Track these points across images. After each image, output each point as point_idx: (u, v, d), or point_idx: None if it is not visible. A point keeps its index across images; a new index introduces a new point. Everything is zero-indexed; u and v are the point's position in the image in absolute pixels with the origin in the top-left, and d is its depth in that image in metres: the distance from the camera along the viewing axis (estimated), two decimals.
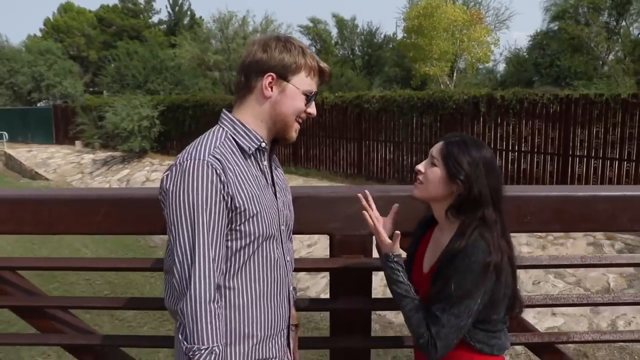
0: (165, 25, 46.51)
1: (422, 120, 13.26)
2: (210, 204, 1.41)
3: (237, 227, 1.48)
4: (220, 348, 1.44)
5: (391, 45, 34.81)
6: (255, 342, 1.55)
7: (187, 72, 29.71)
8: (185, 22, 44.40)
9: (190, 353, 1.42)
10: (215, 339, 1.43)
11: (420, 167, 1.68)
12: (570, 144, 10.78)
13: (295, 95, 1.55)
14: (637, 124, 9.84)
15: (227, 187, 1.44)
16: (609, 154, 10.27)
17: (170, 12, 46.02)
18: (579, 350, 6.25)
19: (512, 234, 1.68)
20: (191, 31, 30.27)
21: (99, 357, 2.08)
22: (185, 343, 1.43)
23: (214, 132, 1.55)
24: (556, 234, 9.37)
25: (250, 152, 1.54)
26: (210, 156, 1.44)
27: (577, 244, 9.16)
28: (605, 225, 1.92)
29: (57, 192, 2.17)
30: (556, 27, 26.47)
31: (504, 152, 11.70)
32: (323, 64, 1.60)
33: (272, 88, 1.54)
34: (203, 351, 1.41)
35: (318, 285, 8.57)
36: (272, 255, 1.57)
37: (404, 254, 1.73)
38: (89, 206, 1.91)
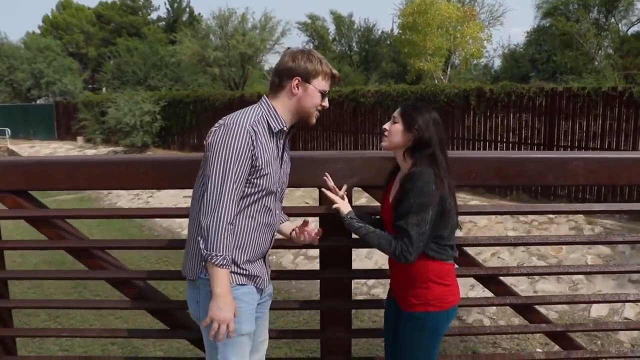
0: (164, 22, 46.67)
1: None
2: (242, 155, 1.99)
3: (252, 179, 2.06)
4: (230, 257, 2.01)
5: (388, 42, 35.20)
6: (246, 258, 2.13)
7: (187, 69, 29.98)
8: (184, 19, 44.66)
9: (210, 258, 1.97)
10: (228, 249, 1.99)
11: (386, 125, 2.29)
12: (555, 135, 11.25)
13: (314, 94, 2.15)
14: (617, 116, 10.32)
15: (255, 149, 2.02)
16: (592, 144, 10.73)
17: (169, 9, 46.20)
18: (555, 321, 6.78)
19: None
20: (191, 28, 30.58)
21: (134, 289, 2.61)
22: (205, 250, 1.97)
23: (254, 109, 2.12)
24: (541, 219, 9.89)
25: (275, 130, 2.11)
26: (249, 125, 2.03)
27: (560, 229, 9.67)
28: (535, 180, 2.45)
29: (105, 158, 2.71)
30: (547, 24, 26.90)
31: (493, 143, 12.17)
32: (335, 71, 2.21)
33: (298, 87, 2.13)
34: (219, 257, 1.97)
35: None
36: (268, 205, 2.17)
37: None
38: (131, 167, 2.45)
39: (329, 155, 2.41)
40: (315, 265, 2.60)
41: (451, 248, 2.24)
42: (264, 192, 2.11)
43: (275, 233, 2.30)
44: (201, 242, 1.99)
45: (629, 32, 25.15)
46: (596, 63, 21.79)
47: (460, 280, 2.31)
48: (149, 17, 47.81)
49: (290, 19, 65.51)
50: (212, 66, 26.40)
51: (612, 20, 24.87)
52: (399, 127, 2.23)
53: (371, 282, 8.50)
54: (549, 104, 11.31)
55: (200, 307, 2.10)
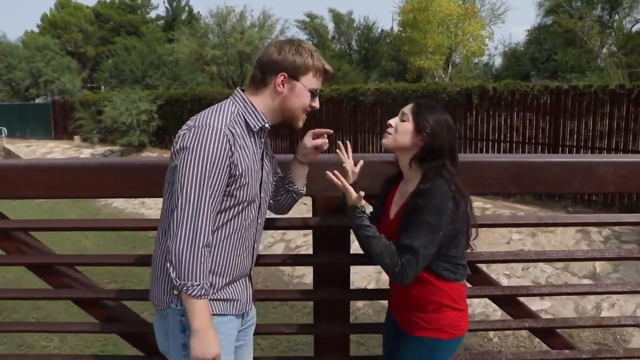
0: (163, 21, 46.47)
1: None
2: (219, 165, 1.68)
3: (231, 191, 1.75)
4: (208, 285, 1.70)
5: (388, 40, 34.94)
6: (225, 281, 1.83)
7: (185, 67, 29.78)
8: (183, 17, 44.43)
9: (185, 288, 1.67)
10: (205, 277, 1.68)
11: (392, 121, 1.97)
12: (561, 134, 10.95)
13: (302, 92, 1.84)
14: (625, 115, 10.02)
15: (234, 156, 1.71)
16: (598, 144, 10.44)
17: (168, 7, 46.04)
18: (563, 331, 6.48)
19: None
20: (189, 26, 30.34)
21: (105, 310, 2.31)
22: (178, 279, 1.66)
23: (227, 106, 1.81)
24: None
25: (255, 129, 1.81)
26: (226, 127, 1.71)
27: (566, 232, 9.38)
28: (558, 187, 2.15)
29: (70, 162, 2.40)
30: (550, 22, 26.63)
31: (496, 143, 11.86)
32: (328, 66, 1.88)
33: (283, 85, 1.82)
34: (196, 287, 1.67)
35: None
36: (250, 217, 1.85)
37: (370, 208, 2.01)
38: (97, 172, 2.14)
39: (322, 159, 2.09)
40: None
41: (463, 267, 1.99)
42: (245, 204, 1.81)
43: (262, 236, 1.99)
44: (171, 269, 1.68)
45: (634, 30, 24.88)
46: (599, 61, 21.50)
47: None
48: (147, 15, 47.64)
49: (289, 17, 65.35)
50: (210, 65, 26.17)
51: (616, 17, 24.56)
52: (408, 126, 1.92)
53: (371, 285, 8.20)
54: (553, 102, 11.01)
55: (170, 339, 1.80)
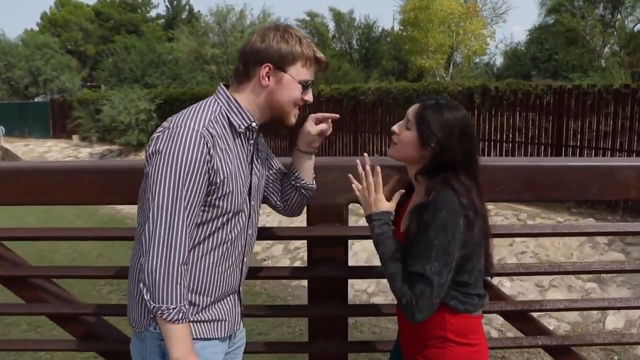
0: (163, 20, 46.34)
1: None
2: (196, 171, 1.48)
3: (212, 201, 1.55)
4: (187, 307, 1.50)
5: (388, 39, 34.76)
6: (208, 301, 1.63)
7: (184, 66, 29.66)
8: (184, 16, 44.28)
9: (160, 312, 1.47)
10: (182, 299, 1.49)
11: (396, 128, 1.71)
12: (564, 134, 10.79)
13: (291, 85, 1.62)
14: (629, 114, 9.85)
15: (213, 160, 1.51)
16: (602, 144, 10.28)
17: (168, 6, 45.91)
18: (569, 335, 6.31)
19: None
20: (189, 25, 30.20)
21: (83, 326, 2.13)
22: (152, 302, 1.47)
23: (209, 104, 1.61)
24: (548, 222, 9.41)
25: (240, 130, 1.61)
26: (204, 128, 1.51)
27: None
28: (576, 193, 1.97)
29: (43, 165, 2.22)
30: (552, 21, 26.47)
31: (498, 143, 11.71)
32: (319, 54, 1.65)
33: (269, 77, 1.60)
34: (172, 311, 1.47)
35: None
36: (237, 228, 1.65)
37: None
38: (72, 176, 1.95)
39: (319, 162, 1.89)
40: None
41: (479, 297, 1.69)
42: (229, 215, 1.60)
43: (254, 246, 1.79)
44: (144, 290, 1.48)
45: (636, 29, 24.69)
46: (602, 61, 21.32)
47: None
48: (148, 14, 47.53)
49: (290, 16, 65.20)
50: (210, 63, 26.01)
51: (619, 16, 24.36)
52: (410, 136, 1.66)
53: (371, 289, 8.02)
54: (557, 102, 10.85)
55: None
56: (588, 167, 1.97)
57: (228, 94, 1.63)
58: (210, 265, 1.61)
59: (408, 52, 24.07)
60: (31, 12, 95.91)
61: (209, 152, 1.50)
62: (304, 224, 2.01)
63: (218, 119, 1.58)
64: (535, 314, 2.15)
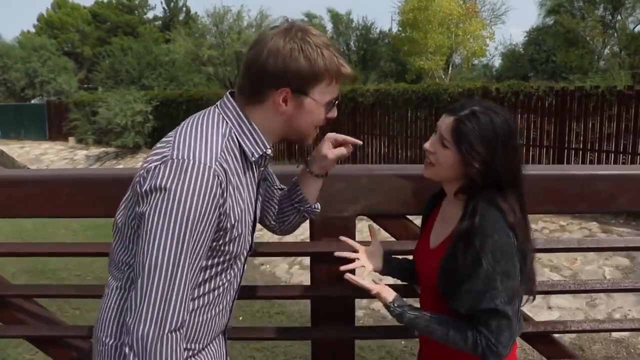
0: (160, 22, 46.25)
1: (416, 114, 13.10)
2: (207, 220, 1.22)
3: (217, 247, 1.32)
4: None
5: (387, 41, 34.68)
6: (198, 348, 1.42)
7: (181, 68, 29.62)
8: (181, 18, 44.16)
9: None
10: None
11: (429, 146, 1.51)
12: (566, 137, 10.66)
13: (314, 109, 1.34)
14: (633, 116, 9.72)
15: (225, 203, 1.26)
16: (605, 146, 10.16)
17: (165, 8, 45.80)
18: (574, 343, 6.15)
19: None
20: (186, 26, 30.10)
21: (64, 349, 1.94)
22: None
23: (216, 124, 1.32)
24: (552, 227, 9.27)
25: (253, 159, 1.35)
26: (217, 163, 1.24)
27: (572, 237, 9.08)
28: (604, 204, 1.79)
29: (18, 174, 2.03)
30: (551, 22, 26.41)
31: None
32: (345, 69, 1.35)
33: (286, 103, 1.32)
34: None
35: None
36: (235, 269, 1.43)
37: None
38: (50, 186, 1.77)
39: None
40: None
41: (518, 320, 1.52)
42: (232, 260, 1.38)
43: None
44: (131, 357, 1.22)
45: (637, 30, 24.60)
46: (602, 62, 21.23)
47: None
48: (145, 16, 47.41)
49: (287, 17, 64.96)
50: (207, 65, 25.84)
51: (619, 17, 24.26)
52: (450, 156, 1.46)
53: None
54: (559, 103, 10.74)
55: None
56: (618, 176, 1.79)
57: (239, 111, 1.34)
58: (205, 311, 1.39)
59: (407, 53, 23.96)
60: (28, 14, 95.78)
61: (223, 194, 1.24)
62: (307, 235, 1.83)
63: (228, 145, 1.30)
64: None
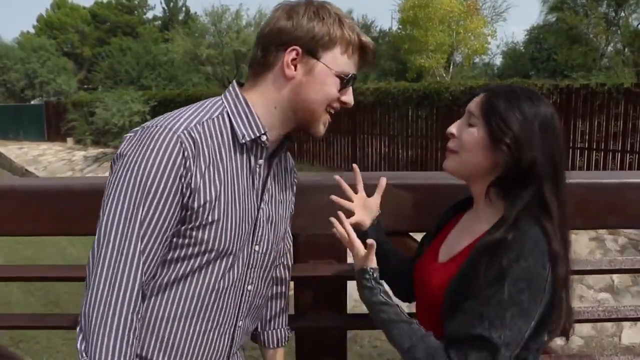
0: (159, 22, 46.22)
1: (417, 113, 12.88)
2: (162, 186, 1.08)
3: (188, 231, 1.13)
4: None
5: (387, 39, 34.53)
6: None
7: (180, 68, 29.56)
8: (180, 18, 44.08)
9: None
10: (126, 356, 1.07)
11: (453, 128, 1.26)
12: (571, 135, 10.45)
13: (326, 78, 1.19)
14: None
15: (192, 177, 1.10)
16: (611, 145, 9.98)
17: (165, 8, 45.74)
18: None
19: None
20: (185, 26, 30.00)
21: None
22: (84, 355, 1.06)
23: (212, 103, 1.21)
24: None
25: (243, 141, 1.18)
26: (185, 131, 1.10)
27: (579, 239, 8.85)
28: (636, 219, 1.52)
29: None
30: (553, 19, 26.20)
31: None
32: (365, 38, 1.22)
33: (296, 66, 1.18)
34: None
35: None
36: (225, 279, 1.20)
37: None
38: None
39: (310, 180, 1.44)
40: None
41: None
42: (214, 254, 1.16)
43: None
44: (79, 337, 1.06)
45: None
46: (605, 60, 20.99)
47: None
48: (144, 16, 47.41)
49: None
50: (206, 65, 25.69)
51: (623, 14, 24.01)
52: (476, 134, 1.21)
53: None
54: (564, 102, 10.53)
55: None
56: None
57: (238, 91, 1.21)
58: (186, 321, 1.18)
59: (407, 51, 23.74)
60: (27, 15, 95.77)
61: (185, 163, 1.09)
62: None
63: (216, 122, 1.16)
64: None
